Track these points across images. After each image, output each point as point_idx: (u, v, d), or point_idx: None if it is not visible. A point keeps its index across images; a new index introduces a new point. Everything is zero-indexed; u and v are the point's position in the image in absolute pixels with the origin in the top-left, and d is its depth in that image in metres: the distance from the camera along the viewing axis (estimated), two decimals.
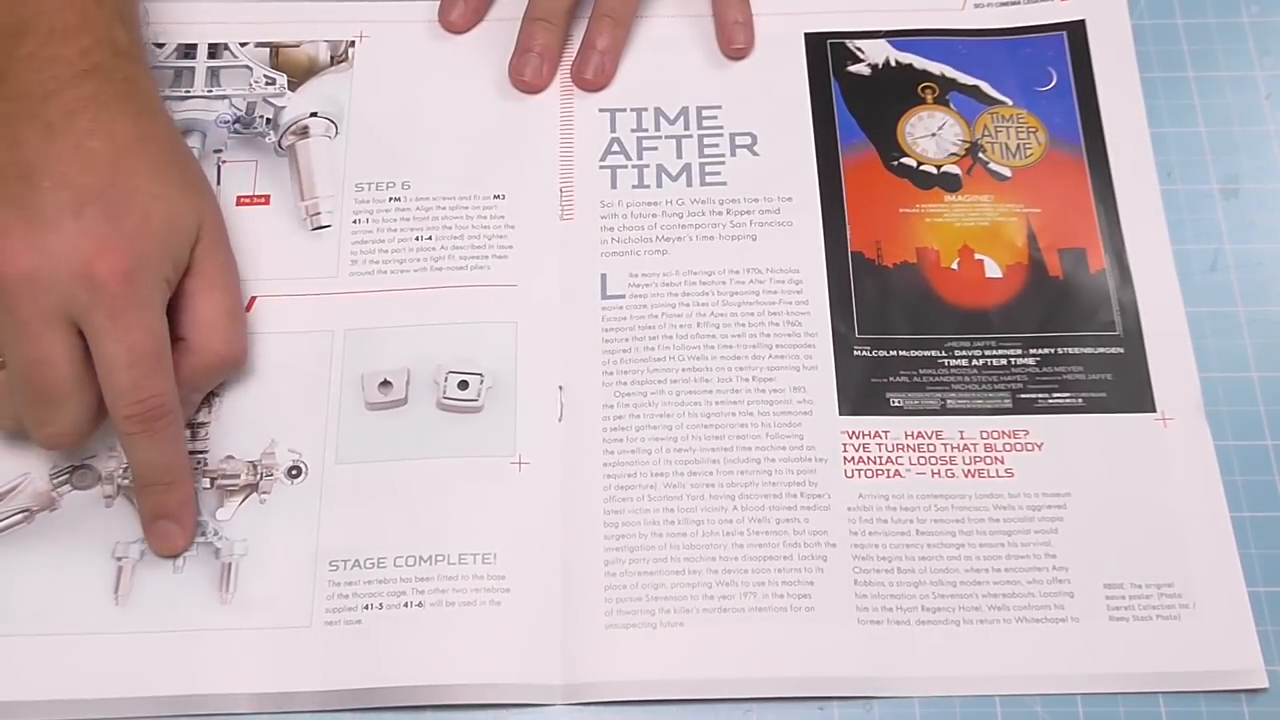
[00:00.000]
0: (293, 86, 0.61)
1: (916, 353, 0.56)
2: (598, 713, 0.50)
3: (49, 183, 0.48)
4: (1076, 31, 0.62)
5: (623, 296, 0.57)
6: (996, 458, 0.54)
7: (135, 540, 0.52)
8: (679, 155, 0.60)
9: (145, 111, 0.52)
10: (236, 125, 0.60)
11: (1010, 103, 0.61)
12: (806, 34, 0.62)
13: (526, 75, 0.61)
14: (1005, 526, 0.52)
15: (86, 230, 0.48)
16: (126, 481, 0.53)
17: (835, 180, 0.59)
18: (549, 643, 0.50)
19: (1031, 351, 0.56)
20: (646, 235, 0.58)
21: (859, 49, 0.62)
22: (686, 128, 0.61)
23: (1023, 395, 0.55)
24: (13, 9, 0.50)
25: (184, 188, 0.52)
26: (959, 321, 0.56)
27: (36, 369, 0.48)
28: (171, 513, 0.51)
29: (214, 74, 0.61)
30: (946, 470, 0.53)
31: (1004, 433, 0.54)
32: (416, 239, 0.58)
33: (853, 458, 0.54)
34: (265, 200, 0.59)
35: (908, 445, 0.54)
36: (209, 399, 0.54)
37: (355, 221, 0.58)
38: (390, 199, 0.59)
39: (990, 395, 0.55)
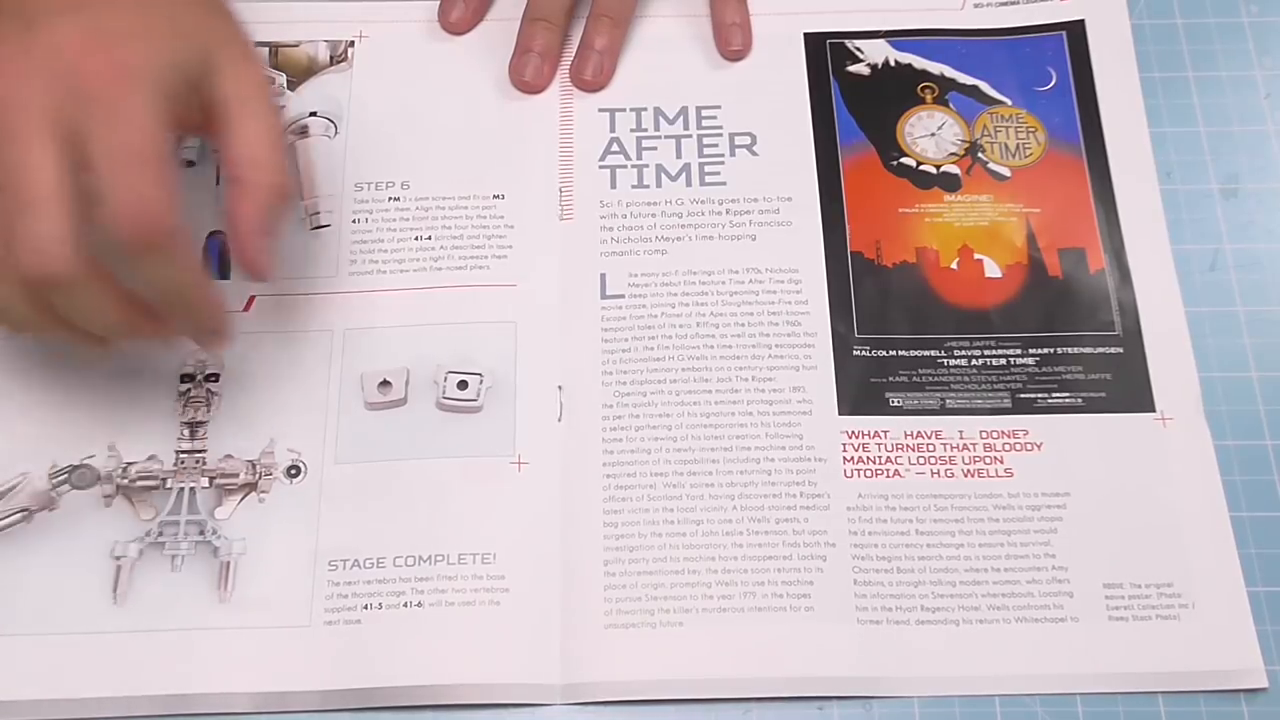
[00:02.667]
0: (292, 86, 0.61)
1: (916, 353, 0.56)
2: (597, 713, 0.50)
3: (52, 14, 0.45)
4: (1076, 31, 0.62)
5: (622, 296, 0.57)
6: (996, 457, 0.54)
7: (134, 540, 0.52)
8: (678, 155, 0.60)
9: None
10: None
11: (1010, 102, 0.61)
12: (806, 34, 0.62)
13: (527, 75, 0.61)
14: (1005, 526, 0.52)
15: (76, 30, 0.45)
16: (125, 481, 0.53)
17: (835, 180, 0.59)
18: (548, 643, 0.50)
19: (1031, 351, 0.56)
20: (646, 235, 0.58)
21: (858, 49, 0.62)
22: (686, 128, 0.61)
23: (1022, 395, 0.55)
24: None
25: (192, 3, 0.48)
26: (958, 321, 0.56)
27: (15, 174, 0.44)
28: (203, 330, 0.50)
29: None
30: (946, 470, 0.53)
31: (1003, 432, 0.54)
32: (416, 239, 0.58)
33: (852, 457, 0.54)
34: None
35: (907, 445, 0.54)
36: (209, 397, 0.54)
37: (354, 221, 0.58)
38: (390, 199, 0.59)
39: (990, 395, 0.55)
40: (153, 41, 0.46)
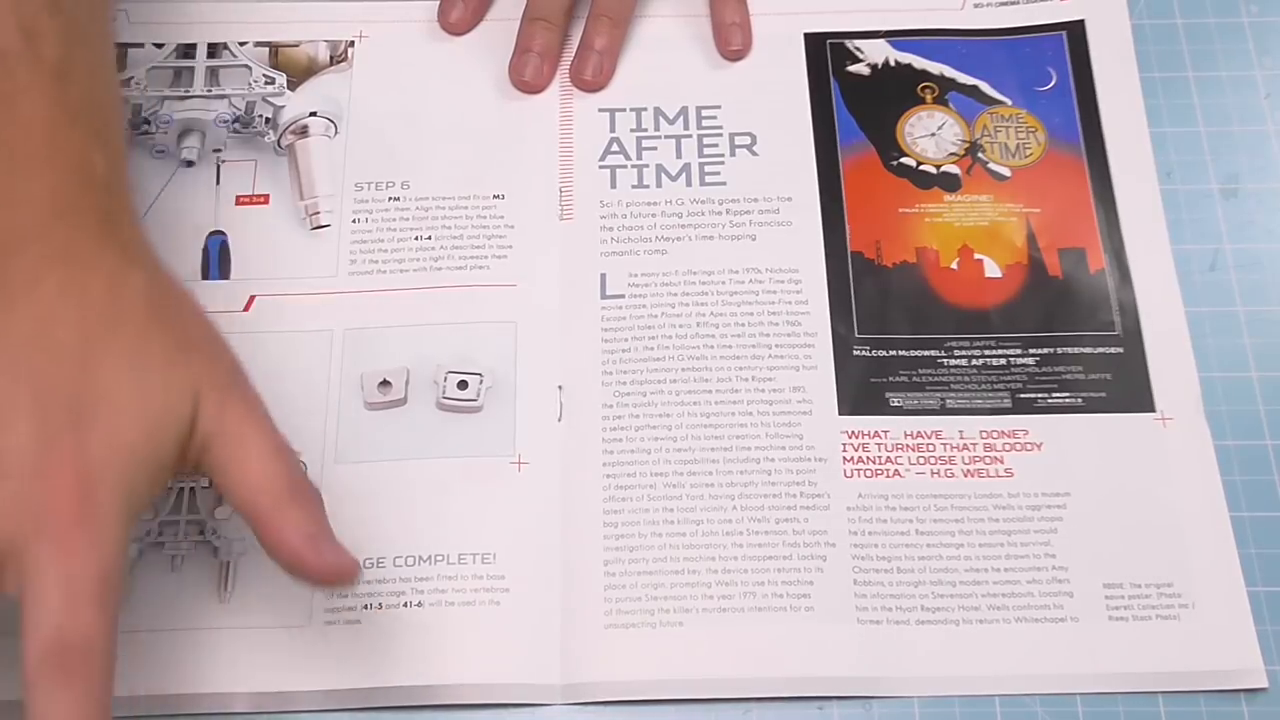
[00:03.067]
0: (292, 86, 0.61)
1: (916, 352, 0.56)
2: (597, 712, 0.50)
3: (8, 375, 0.39)
4: (1076, 31, 0.62)
5: (622, 296, 0.57)
6: (996, 457, 0.54)
7: (133, 540, 0.52)
8: (678, 155, 0.60)
9: (124, 262, 0.42)
10: (236, 125, 0.60)
11: (1010, 102, 0.61)
12: (806, 34, 0.62)
13: (526, 75, 0.61)
14: (1005, 526, 0.52)
15: (42, 443, 0.39)
16: None
17: (835, 180, 0.59)
18: (548, 642, 0.50)
19: (1031, 351, 0.56)
20: (646, 235, 0.58)
21: (858, 49, 0.62)
22: (686, 128, 0.61)
23: (1022, 395, 0.55)
24: None
25: (169, 363, 0.42)
26: (958, 321, 0.56)
27: None
28: None
29: (213, 73, 0.61)
30: (946, 470, 0.53)
31: (1003, 432, 0.54)
32: (416, 239, 0.58)
33: (852, 457, 0.54)
34: (264, 200, 0.59)
35: (907, 445, 0.54)
36: None
37: (355, 221, 0.58)
38: (390, 199, 0.59)
39: (990, 395, 0.55)
40: (124, 452, 0.40)
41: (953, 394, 0.55)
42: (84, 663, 0.38)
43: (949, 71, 0.62)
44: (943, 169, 0.59)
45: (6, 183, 0.42)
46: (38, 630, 0.37)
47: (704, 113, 0.61)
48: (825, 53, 0.62)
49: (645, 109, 0.61)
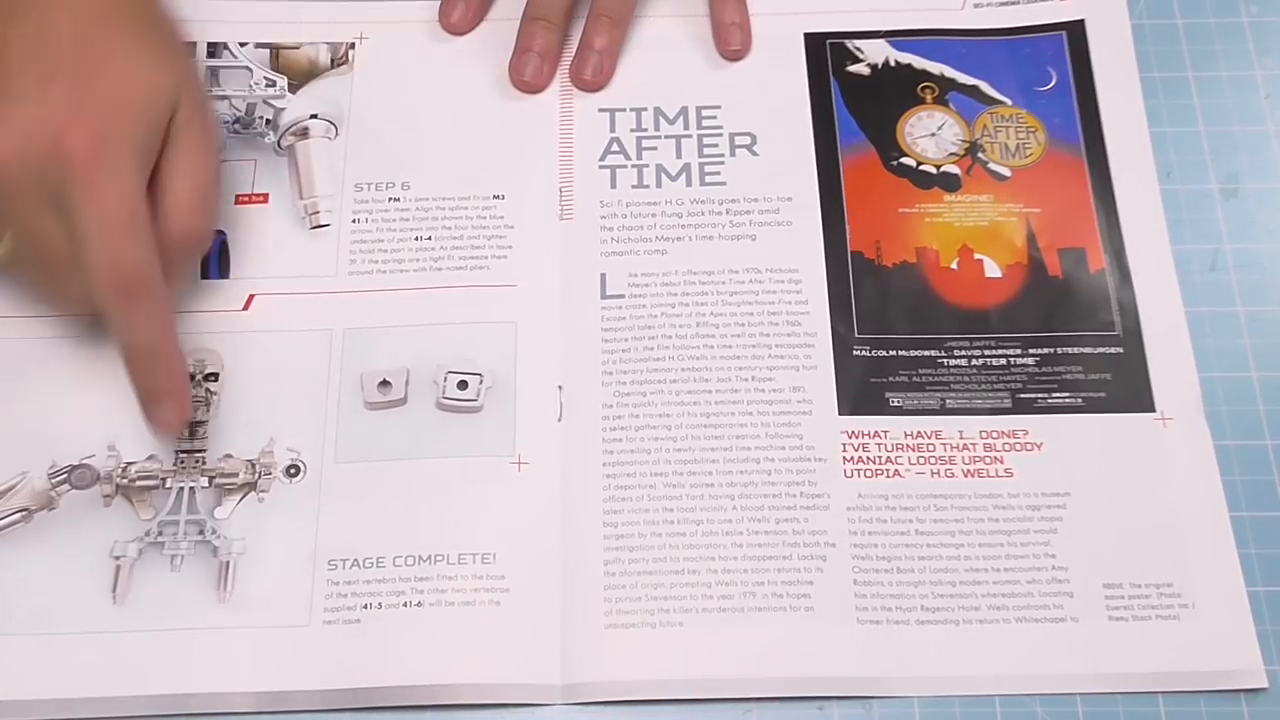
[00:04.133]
0: (293, 89, 0.61)
1: (916, 352, 0.56)
2: (597, 713, 0.50)
3: (17, 61, 0.48)
4: (1076, 31, 0.62)
5: (622, 296, 0.57)
6: (996, 457, 0.54)
7: (134, 539, 0.52)
8: (678, 155, 0.60)
9: None
10: (236, 125, 0.60)
11: (1010, 102, 0.61)
12: (806, 34, 0.62)
13: (526, 75, 0.61)
14: (1005, 526, 0.52)
15: (54, 103, 0.47)
16: (125, 480, 0.53)
17: (835, 180, 0.59)
18: (548, 643, 0.50)
19: (1031, 351, 0.56)
20: (646, 235, 0.58)
21: (858, 49, 0.62)
22: (686, 128, 0.61)
23: (1022, 395, 0.55)
24: None
25: (161, 54, 0.51)
26: (958, 321, 0.56)
27: (36, 247, 0.49)
28: (163, 391, 0.51)
29: (213, 74, 0.61)
30: (946, 470, 0.53)
31: (1003, 432, 0.54)
32: (416, 239, 0.58)
33: (852, 457, 0.54)
34: (264, 199, 0.59)
35: (907, 445, 0.54)
36: (208, 397, 0.54)
37: (354, 221, 0.58)
38: (390, 199, 0.59)
39: (990, 395, 0.55)
40: (127, 107, 0.48)
41: (953, 394, 0.55)
42: (140, 287, 0.48)
43: (949, 71, 0.62)
44: (943, 169, 0.59)
45: None
46: (94, 269, 0.47)
47: (704, 113, 0.61)
48: (825, 53, 0.62)
49: (645, 109, 0.61)
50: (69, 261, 0.49)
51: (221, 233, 0.57)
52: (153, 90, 0.49)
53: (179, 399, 0.52)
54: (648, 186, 0.59)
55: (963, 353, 0.56)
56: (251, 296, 0.56)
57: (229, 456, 0.53)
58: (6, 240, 0.50)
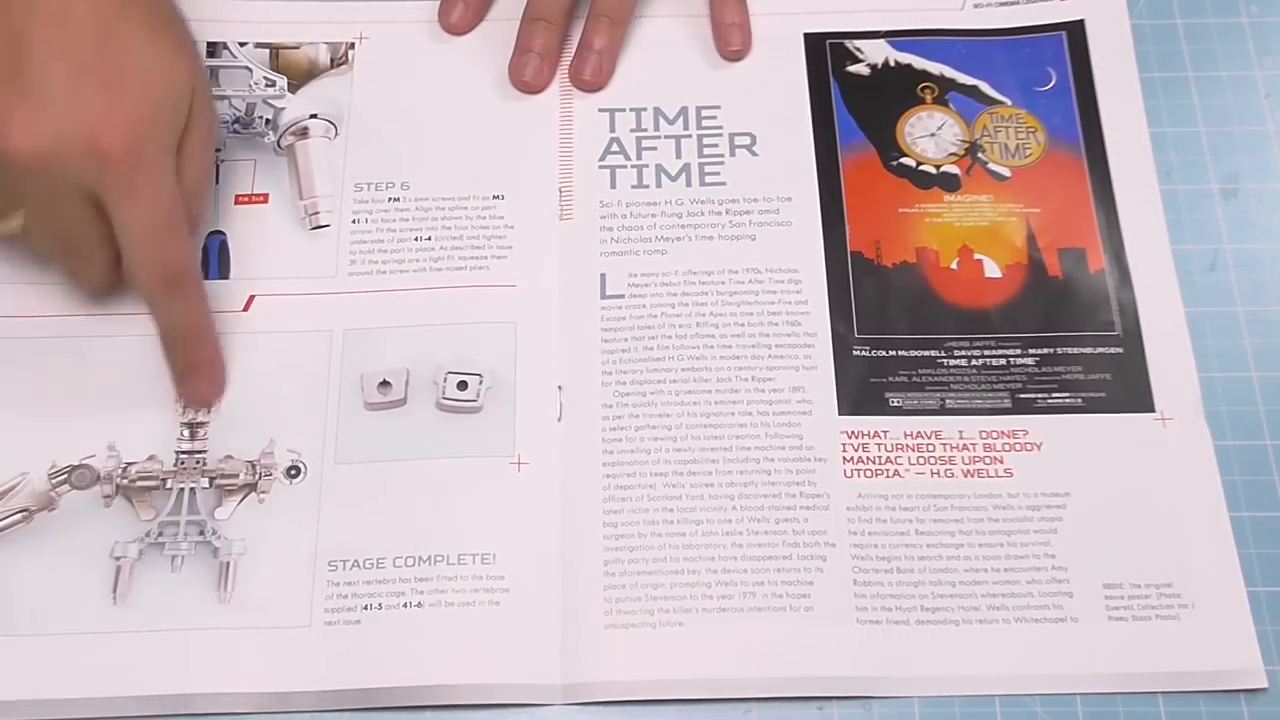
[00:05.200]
0: (293, 89, 0.61)
1: (916, 353, 0.56)
2: (597, 713, 0.50)
3: (41, 54, 0.48)
4: (1076, 31, 0.62)
5: (622, 296, 0.57)
6: (996, 458, 0.54)
7: (134, 540, 0.52)
8: (678, 155, 0.60)
9: None
10: (235, 125, 0.60)
11: (1009, 103, 0.61)
12: (806, 34, 0.62)
13: (526, 75, 0.61)
14: (1004, 526, 0.52)
15: (87, 105, 0.48)
16: (125, 481, 0.53)
17: (834, 180, 0.59)
18: (548, 643, 0.50)
19: (1031, 351, 0.56)
20: (646, 235, 0.58)
21: (858, 49, 0.62)
22: (686, 128, 0.61)
23: (1022, 395, 0.55)
24: None
25: (177, 50, 0.52)
26: (958, 321, 0.56)
27: (61, 232, 0.51)
28: (201, 366, 0.54)
29: (213, 73, 0.61)
30: (946, 470, 0.53)
31: (1003, 433, 0.54)
32: (416, 239, 0.58)
33: (852, 458, 0.54)
34: (264, 199, 0.59)
35: (907, 445, 0.54)
36: None
37: (354, 221, 0.58)
38: (389, 199, 0.59)
39: (989, 395, 0.55)
40: (157, 109, 0.50)
41: (952, 394, 0.55)
42: (182, 277, 0.52)
43: (949, 71, 0.62)
44: (943, 169, 0.59)
45: None
46: (140, 266, 0.50)
47: (704, 113, 0.61)
48: (825, 53, 0.62)
49: (645, 109, 0.61)
50: (92, 245, 0.51)
51: (221, 233, 0.57)
52: (178, 87, 0.51)
53: (216, 373, 0.54)
54: (647, 186, 0.59)
55: (962, 353, 0.56)
56: (252, 298, 0.56)
57: (229, 457, 0.53)
58: (19, 216, 0.50)
